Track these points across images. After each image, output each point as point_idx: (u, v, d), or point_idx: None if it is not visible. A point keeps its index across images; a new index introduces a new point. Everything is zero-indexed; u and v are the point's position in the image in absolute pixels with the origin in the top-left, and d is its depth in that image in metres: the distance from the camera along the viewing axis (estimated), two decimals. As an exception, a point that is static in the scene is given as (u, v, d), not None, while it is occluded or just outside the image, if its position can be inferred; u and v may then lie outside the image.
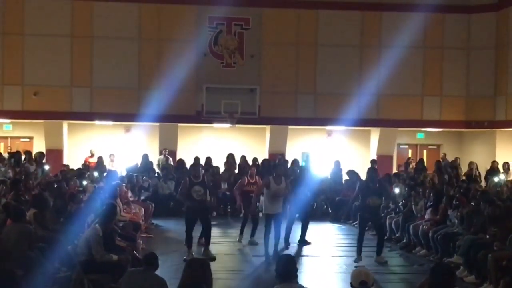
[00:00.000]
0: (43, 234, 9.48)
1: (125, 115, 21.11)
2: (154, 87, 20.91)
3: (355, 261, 11.37)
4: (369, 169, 12.42)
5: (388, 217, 14.17)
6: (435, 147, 24.12)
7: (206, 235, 11.74)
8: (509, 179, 17.83)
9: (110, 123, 21.94)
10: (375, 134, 22.74)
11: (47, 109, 20.77)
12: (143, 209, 14.06)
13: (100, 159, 19.36)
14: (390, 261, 11.74)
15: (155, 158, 20.41)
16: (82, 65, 21.07)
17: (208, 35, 21.38)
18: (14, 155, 17.57)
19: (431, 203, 12.76)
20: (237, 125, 21.18)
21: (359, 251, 11.58)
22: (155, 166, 19.88)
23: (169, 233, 14.73)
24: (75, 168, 17.88)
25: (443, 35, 22.24)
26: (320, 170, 18.27)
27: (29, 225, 9.08)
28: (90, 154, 20.43)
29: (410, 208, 13.66)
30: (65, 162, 20.51)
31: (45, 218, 10.10)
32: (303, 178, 14.10)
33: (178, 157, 20.21)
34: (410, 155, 23.35)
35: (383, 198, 12.45)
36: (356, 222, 13.22)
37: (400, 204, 14.57)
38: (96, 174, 16.86)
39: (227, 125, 21.16)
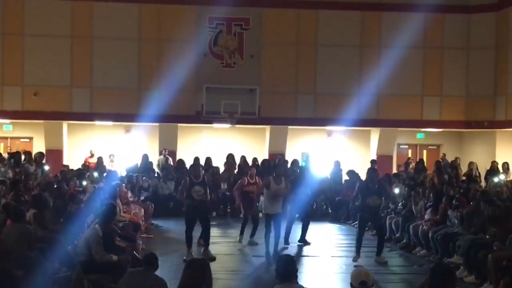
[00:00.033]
0: (43, 235, 9.47)
1: (125, 115, 21.10)
2: (154, 87, 20.91)
3: (353, 260, 11.39)
4: (369, 169, 12.42)
5: (388, 217, 14.17)
6: (435, 147, 24.11)
7: (205, 236, 11.75)
8: (508, 179, 17.83)
9: (110, 123, 21.94)
10: (375, 134, 22.74)
11: (47, 110, 20.77)
12: (143, 210, 14.05)
13: (100, 159, 19.36)
14: (390, 261, 11.73)
15: (155, 158, 20.41)
16: (82, 65, 21.07)
17: (208, 35, 21.38)
18: (14, 155, 17.57)
19: (431, 203, 12.76)
20: (237, 125, 21.18)
21: (357, 250, 11.58)
22: (155, 167, 19.88)
23: (169, 233, 14.73)
24: (75, 168, 17.87)
25: (443, 35, 22.24)
26: (320, 170, 18.28)
27: (29, 226, 9.08)
28: (90, 155, 20.43)
29: (410, 208, 13.66)
30: (65, 162, 20.50)
31: (45, 218, 10.09)
32: (303, 178, 14.11)
33: (178, 158, 20.20)
34: (410, 155, 23.34)
35: (383, 198, 12.45)
36: (356, 222, 13.21)
37: (400, 204, 14.57)
38: (96, 174, 16.86)
39: (227, 125, 21.15)
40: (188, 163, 18.12)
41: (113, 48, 21.16)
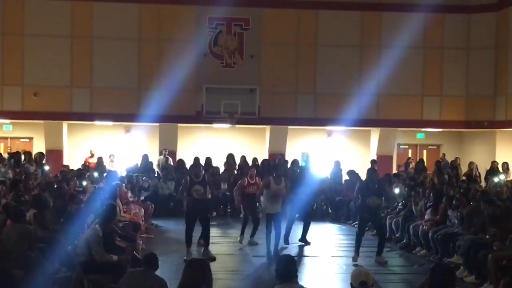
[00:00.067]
0: (43, 235, 9.48)
1: (125, 115, 21.10)
2: (154, 87, 20.90)
3: (353, 260, 11.40)
4: (368, 169, 12.43)
5: (388, 217, 14.17)
6: (435, 147, 24.11)
7: (205, 235, 11.78)
8: (508, 179, 17.83)
9: (110, 123, 21.93)
10: (375, 134, 22.74)
11: (47, 110, 20.76)
12: (143, 210, 14.05)
13: (100, 159, 19.35)
14: (390, 261, 11.74)
15: (155, 158, 20.40)
16: (82, 66, 21.07)
17: (208, 35, 21.38)
18: (14, 155, 17.57)
19: (431, 203, 12.77)
20: (237, 125, 21.17)
21: (357, 250, 11.59)
22: (155, 167, 19.87)
23: (169, 233, 14.72)
24: (75, 168, 17.86)
25: (443, 35, 22.24)
26: (320, 170, 18.27)
27: (29, 226, 9.08)
28: (90, 155, 20.42)
29: (410, 208, 13.66)
30: (65, 162, 20.50)
31: (45, 218, 10.10)
32: (303, 178, 14.11)
33: (178, 158, 20.20)
34: (410, 155, 23.33)
35: (383, 198, 12.45)
36: (356, 222, 13.21)
37: (400, 204, 14.56)
38: (96, 174, 16.86)
39: (227, 125, 21.15)
40: (188, 163, 18.16)
41: (113, 48, 21.16)
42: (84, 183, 14.80)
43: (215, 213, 17.15)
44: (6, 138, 22.50)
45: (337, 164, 19.36)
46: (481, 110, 21.97)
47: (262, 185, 12.20)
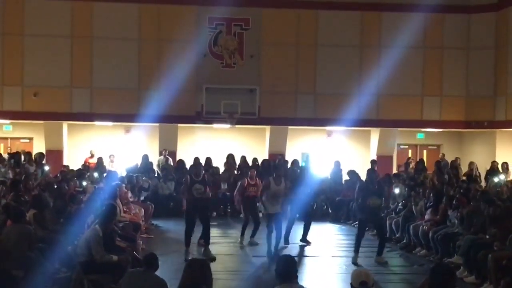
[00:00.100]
0: (43, 235, 9.48)
1: (125, 115, 21.09)
2: (154, 87, 20.91)
3: (353, 260, 11.40)
4: (368, 170, 12.46)
5: (388, 217, 14.17)
6: (435, 147, 24.11)
7: (205, 235, 11.81)
8: (508, 179, 17.83)
9: (110, 123, 21.93)
10: (375, 134, 22.74)
11: (47, 110, 20.76)
12: (143, 210, 14.05)
13: (100, 159, 19.35)
14: (390, 262, 11.74)
15: (155, 158, 20.40)
16: (82, 66, 21.07)
17: (208, 35, 21.38)
18: (14, 155, 17.57)
19: (431, 204, 12.77)
20: (237, 126, 21.18)
21: (356, 250, 11.59)
22: (155, 167, 19.86)
23: (169, 233, 14.73)
24: (75, 168, 17.86)
25: (443, 35, 22.24)
26: (320, 170, 18.27)
27: (29, 226, 9.07)
28: (90, 155, 20.42)
29: (410, 209, 13.66)
30: (65, 162, 20.50)
31: (45, 218, 10.10)
32: (303, 178, 14.11)
33: (178, 158, 20.19)
34: (410, 155, 23.32)
35: (383, 199, 12.46)
36: (356, 222, 13.22)
37: (400, 204, 14.56)
38: (96, 174, 16.87)
39: (227, 126, 21.15)
40: (188, 163, 18.16)
41: (113, 48, 21.16)
42: (84, 183, 14.80)
43: (215, 213, 17.15)
44: (6, 138, 22.50)
45: (337, 164, 19.36)
46: (481, 110, 21.97)
47: (262, 186, 12.23)
